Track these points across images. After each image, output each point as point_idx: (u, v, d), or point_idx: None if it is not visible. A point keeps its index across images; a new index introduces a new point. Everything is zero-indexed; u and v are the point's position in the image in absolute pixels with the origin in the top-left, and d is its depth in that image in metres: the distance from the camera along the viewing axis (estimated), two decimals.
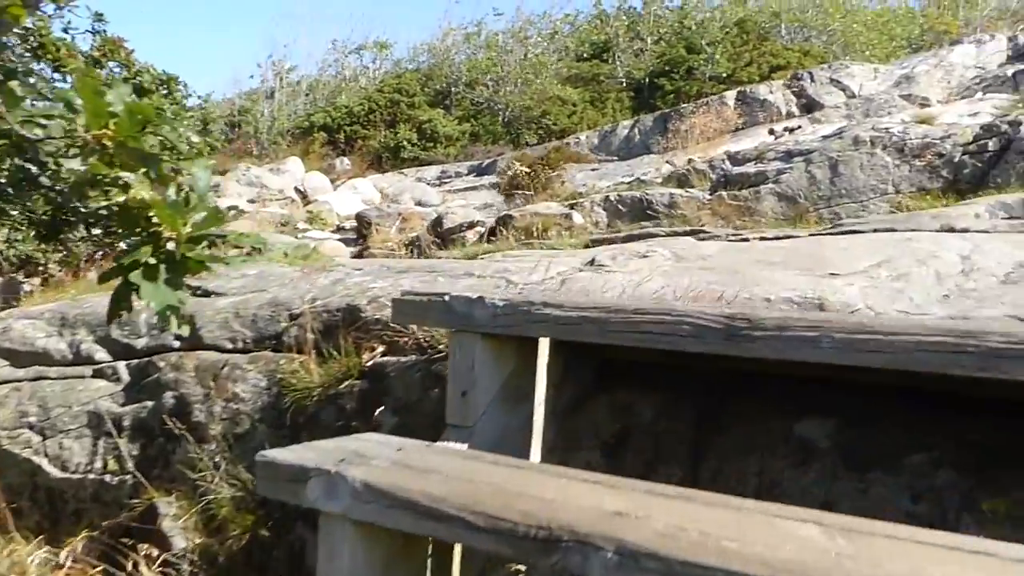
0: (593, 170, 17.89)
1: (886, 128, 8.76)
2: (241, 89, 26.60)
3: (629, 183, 10.42)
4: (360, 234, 11.85)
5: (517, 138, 24.00)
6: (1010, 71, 16.93)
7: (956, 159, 8.60)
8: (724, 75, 23.66)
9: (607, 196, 9.02)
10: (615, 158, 18.34)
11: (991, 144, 8.57)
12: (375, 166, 23.70)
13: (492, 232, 9.36)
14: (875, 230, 5.06)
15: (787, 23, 25.01)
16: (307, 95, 26.54)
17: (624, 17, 26.50)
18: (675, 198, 8.71)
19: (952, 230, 4.72)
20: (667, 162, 12.98)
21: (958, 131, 8.64)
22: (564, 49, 25.82)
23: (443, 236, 9.75)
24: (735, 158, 9.65)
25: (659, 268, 3.99)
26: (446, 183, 21.27)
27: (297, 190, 16.93)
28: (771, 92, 17.56)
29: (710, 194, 8.85)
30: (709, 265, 4.04)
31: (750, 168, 9.00)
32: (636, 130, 18.35)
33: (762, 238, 5.71)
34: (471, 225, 9.46)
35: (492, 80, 24.31)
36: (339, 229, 13.98)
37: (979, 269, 3.78)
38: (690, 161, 11.73)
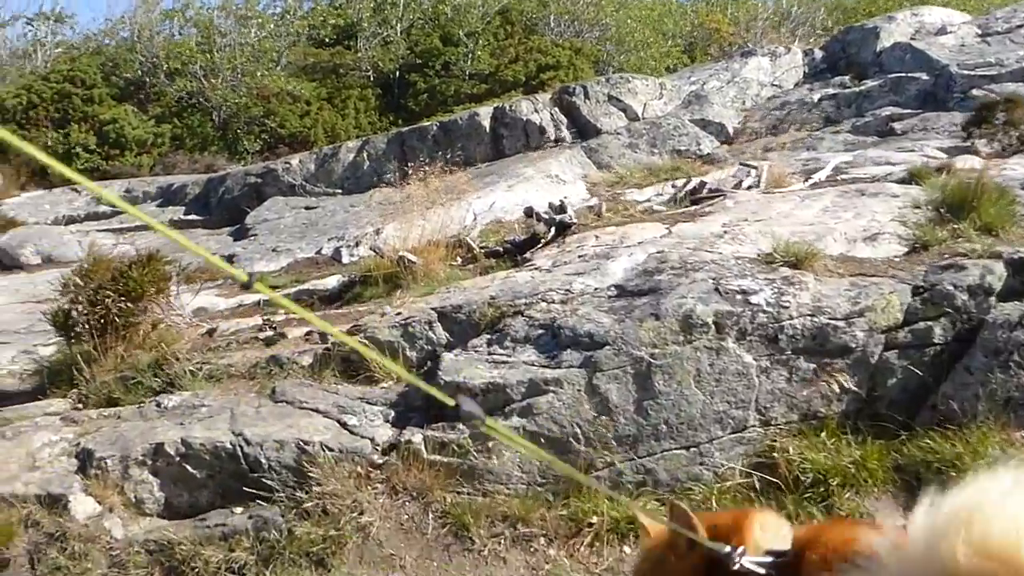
0: (308, 208, 12.45)
1: (744, 296, 4.03)
2: None
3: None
4: None
5: (234, 144, 18.00)
6: (815, 96, 13.07)
7: (874, 358, 4.02)
8: (486, 73, 18.80)
9: (160, 446, 3.76)
10: (338, 190, 12.96)
11: (938, 331, 4.04)
12: (38, 179, 16.90)
13: None
14: None
15: (556, 15, 20.45)
16: None
17: None
18: (309, 457, 3.62)
19: None
20: (372, 248, 7.82)
21: (878, 301, 4.05)
22: (297, 33, 19.88)
23: None
24: (452, 317, 4.57)
25: None
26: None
27: None
28: (536, 111, 12.74)
29: (392, 439, 3.79)
30: None
31: (480, 372, 3.98)
32: (365, 154, 12.99)
33: None
34: None
35: (202, 70, 18.04)
36: None
37: None
38: (400, 259, 6.62)
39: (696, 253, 4.69)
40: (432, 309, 4.64)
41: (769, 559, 1.89)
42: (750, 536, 1.97)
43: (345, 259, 9.21)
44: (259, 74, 18.02)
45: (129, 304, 5.60)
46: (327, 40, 20.75)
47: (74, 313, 5.89)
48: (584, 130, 12.58)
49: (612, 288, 4.42)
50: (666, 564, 1.98)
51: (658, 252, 4.81)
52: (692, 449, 3.90)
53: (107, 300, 5.60)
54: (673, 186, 9.24)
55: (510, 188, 10.18)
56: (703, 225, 5.57)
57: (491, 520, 3.65)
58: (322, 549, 3.45)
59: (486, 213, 9.13)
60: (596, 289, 4.47)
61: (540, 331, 4.19)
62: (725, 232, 5.18)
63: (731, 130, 12.67)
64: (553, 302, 4.40)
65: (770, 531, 2.01)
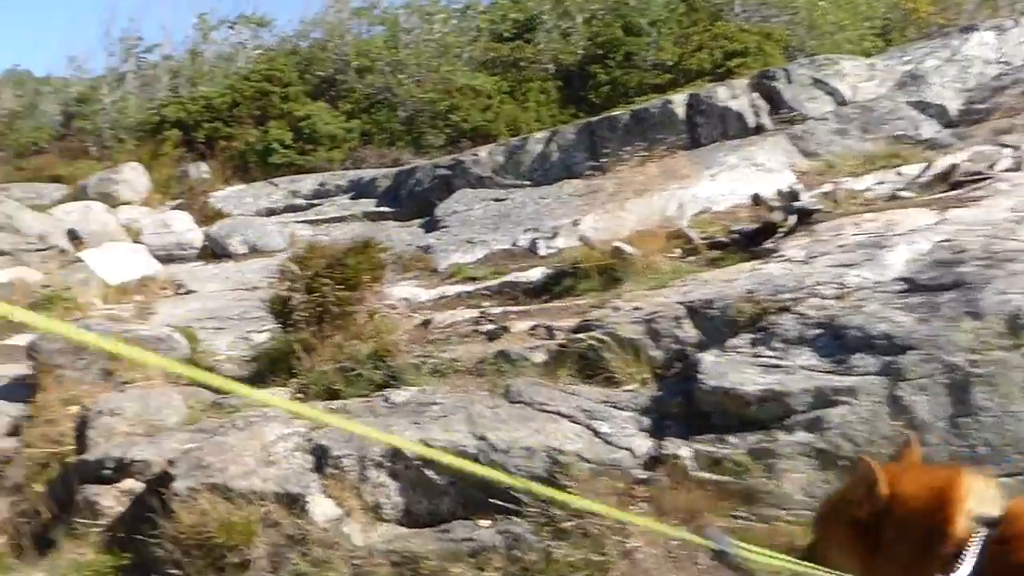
0: (497, 200, 12.21)
1: None
2: (83, 71, 20.22)
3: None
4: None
5: (419, 138, 18.13)
6: None
7: None
8: (670, 63, 17.99)
9: (398, 448, 3.42)
10: (526, 182, 12.65)
11: None
12: (240, 173, 17.70)
13: None
14: None
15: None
16: (173, 79, 20.30)
17: None
18: (561, 467, 3.17)
19: None
20: (580, 239, 7.36)
21: None
22: (478, 28, 19.85)
23: None
24: (703, 313, 4.00)
25: None
26: (319, 202, 15.37)
27: (72, 235, 11.01)
28: (733, 96, 11.92)
29: (652, 451, 3.27)
30: None
31: (751, 378, 3.40)
32: (553, 145, 12.63)
33: None
34: None
35: (389, 66, 18.30)
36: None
37: None
38: (615, 250, 6.12)
39: (998, 241, 3.90)
40: (678, 303, 4.09)
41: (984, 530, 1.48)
42: (958, 504, 1.56)
43: (542, 251, 8.84)
44: (443, 69, 18.07)
45: (346, 292, 5.40)
46: (506, 35, 20.60)
47: (292, 300, 5.77)
48: (786, 116, 11.64)
49: (899, 282, 3.72)
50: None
51: (945, 241, 4.05)
52: (1019, 476, 3.16)
53: (324, 288, 5.42)
54: (898, 173, 8.29)
55: (714, 177, 9.49)
56: (982, 211, 4.73)
57: (772, 550, 3.07)
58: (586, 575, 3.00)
59: (692, 203, 8.51)
60: (877, 283, 3.79)
61: (817, 331, 3.56)
62: (1020, 217, 4.32)
63: (953, 112, 11.37)
64: (826, 297, 3.75)
65: (983, 497, 1.60)
